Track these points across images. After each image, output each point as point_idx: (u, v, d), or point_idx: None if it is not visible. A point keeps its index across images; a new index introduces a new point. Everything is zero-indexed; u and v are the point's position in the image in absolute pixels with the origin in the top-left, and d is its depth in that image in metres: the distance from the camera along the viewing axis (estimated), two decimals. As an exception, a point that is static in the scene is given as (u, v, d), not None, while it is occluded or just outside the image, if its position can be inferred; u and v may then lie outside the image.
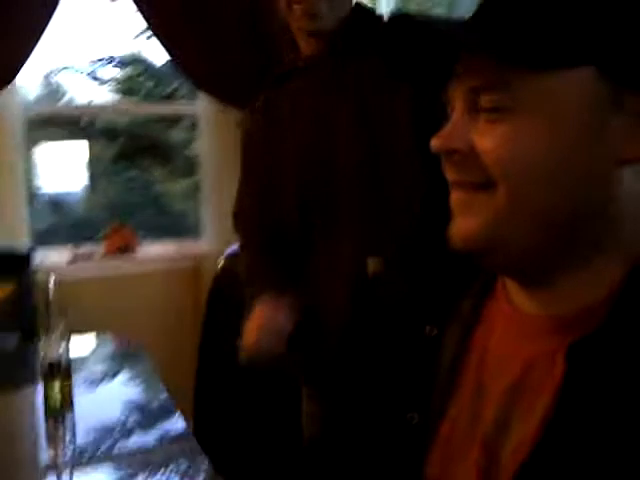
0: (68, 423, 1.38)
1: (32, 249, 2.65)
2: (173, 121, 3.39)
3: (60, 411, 1.37)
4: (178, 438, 1.45)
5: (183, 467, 1.28)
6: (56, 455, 1.29)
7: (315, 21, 1.28)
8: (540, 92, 0.53)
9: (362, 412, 0.78)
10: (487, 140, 0.55)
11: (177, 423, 1.49)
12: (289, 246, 1.41)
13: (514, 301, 0.63)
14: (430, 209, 1.31)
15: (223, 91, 2.90)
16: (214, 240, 3.08)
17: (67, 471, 1.24)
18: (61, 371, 1.37)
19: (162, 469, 1.28)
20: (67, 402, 1.38)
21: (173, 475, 1.24)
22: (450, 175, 0.61)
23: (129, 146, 3.35)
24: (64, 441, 1.34)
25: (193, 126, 3.26)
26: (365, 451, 0.72)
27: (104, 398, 1.74)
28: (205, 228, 3.17)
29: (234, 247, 2.14)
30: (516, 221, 0.56)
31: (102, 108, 3.42)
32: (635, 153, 0.54)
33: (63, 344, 1.37)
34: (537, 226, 0.55)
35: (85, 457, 1.26)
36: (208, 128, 3.05)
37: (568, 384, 0.55)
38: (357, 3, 1.38)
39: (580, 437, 0.53)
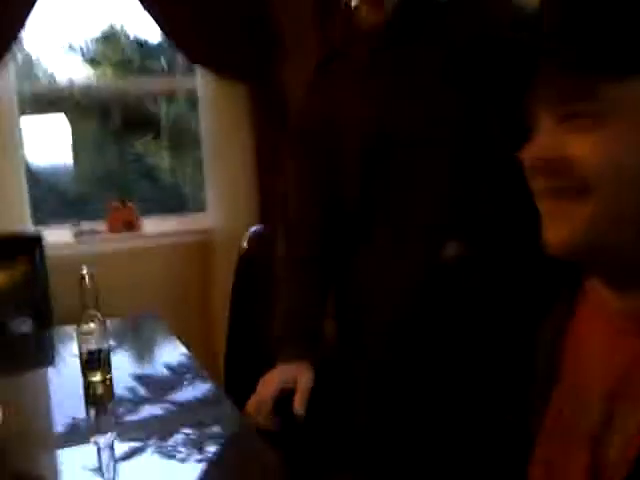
0: (110, 412, 1.36)
1: (40, 232, 2.62)
2: (170, 95, 3.32)
3: (102, 400, 1.36)
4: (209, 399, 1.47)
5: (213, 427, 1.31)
6: (99, 444, 1.27)
7: None
8: (630, 98, 0.54)
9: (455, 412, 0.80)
10: (582, 147, 0.55)
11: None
12: (342, 239, 1.32)
13: (607, 303, 0.63)
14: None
15: (219, 65, 2.85)
16: (217, 214, 3.06)
17: (111, 462, 1.22)
18: (102, 362, 1.35)
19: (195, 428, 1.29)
20: (109, 392, 1.37)
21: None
22: (539, 184, 0.61)
23: (125, 121, 3.27)
24: (106, 430, 1.32)
25: (190, 100, 3.20)
26: (466, 453, 0.73)
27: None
28: (208, 202, 3.14)
29: (257, 227, 2.12)
30: (615, 227, 0.56)
31: (96, 83, 3.33)
32: None
33: (102, 335, 1.35)
34: (636, 231, 0.56)
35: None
36: (208, 102, 2.99)
37: None
38: None
39: None
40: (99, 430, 1.34)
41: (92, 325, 1.36)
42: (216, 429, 1.30)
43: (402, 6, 1.26)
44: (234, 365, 1.73)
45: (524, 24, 0.72)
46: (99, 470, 1.15)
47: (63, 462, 1.23)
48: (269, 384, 1.22)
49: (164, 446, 1.21)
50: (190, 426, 1.28)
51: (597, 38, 0.53)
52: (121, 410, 1.35)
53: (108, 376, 1.38)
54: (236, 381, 1.53)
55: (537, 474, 0.67)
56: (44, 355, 2.03)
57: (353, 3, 1.33)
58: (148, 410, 1.37)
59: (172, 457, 1.17)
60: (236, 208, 2.99)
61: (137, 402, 1.40)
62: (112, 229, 3.03)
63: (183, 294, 3.05)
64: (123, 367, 1.57)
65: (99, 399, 1.37)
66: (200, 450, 1.20)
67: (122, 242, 3.00)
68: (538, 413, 0.68)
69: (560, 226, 0.58)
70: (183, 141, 3.34)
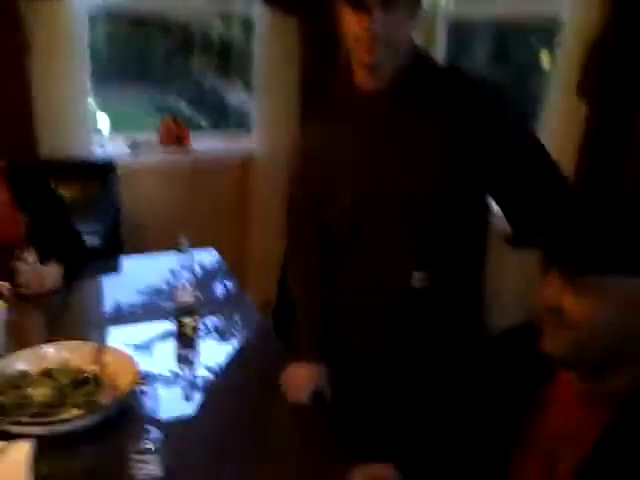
0: (196, 350, 1.69)
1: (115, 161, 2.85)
2: (225, 17, 3.39)
3: (192, 341, 1.69)
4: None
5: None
6: (189, 372, 1.61)
7: (375, 62, 1.33)
8: (613, 288, 0.89)
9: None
10: (574, 305, 0.91)
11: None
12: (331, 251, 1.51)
13: (573, 380, 0.99)
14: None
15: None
16: (262, 136, 3.26)
17: (194, 386, 1.56)
18: (192, 312, 1.67)
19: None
20: (196, 334, 1.69)
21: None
22: (544, 314, 0.96)
23: (182, 40, 3.37)
24: (194, 362, 1.66)
25: (246, 24, 3.29)
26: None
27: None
28: (255, 124, 3.32)
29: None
30: (585, 350, 0.93)
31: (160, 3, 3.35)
32: None
33: (193, 292, 1.65)
34: (597, 354, 0.94)
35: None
36: (263, 29, 3.12)
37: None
38: (418, 51, 1.41)
39: None
40: (186, 361, 1.68)
41: (185, 284, 1.66)
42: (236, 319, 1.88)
43: (402, 78, 1.36)
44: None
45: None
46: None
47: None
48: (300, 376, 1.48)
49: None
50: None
51: (595, 251, 0.89)
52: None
53: (196, 321, 1.71)
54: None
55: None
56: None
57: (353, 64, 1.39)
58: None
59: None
60: (279, 132, 3.19)
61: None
62: (164, 142, 3.25)
63: (224, 208, 3.32)
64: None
65: (187, 338, 1.71)
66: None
67: (173, 155, 3.23)
68: (512, 441, 1.04)
69: (552, 341, 0.95)
70: (235, 64, 3.45)
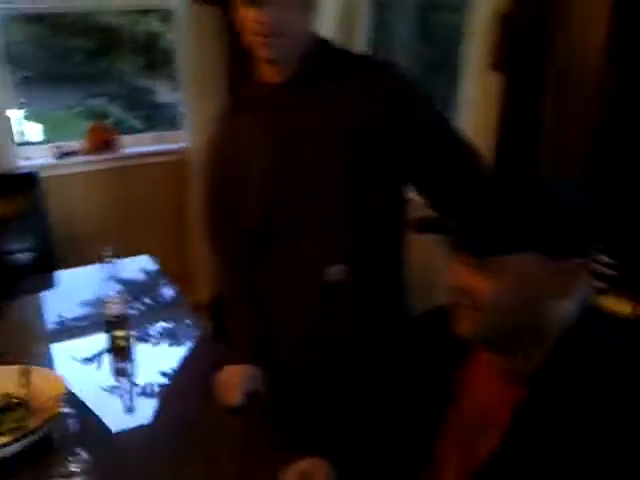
0: (131, 361, 1.66)
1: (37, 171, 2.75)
2: (144, 13, 3.31)
3: (126, 352, 1.66)
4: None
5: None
6: (123, 382, 1.59)
7: (275, 56, 1.33)
8: (511, 267, 0.91)
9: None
10: (481, 287, 0.93)
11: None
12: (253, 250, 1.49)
13: (492, 360, 1.01)
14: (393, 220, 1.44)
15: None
16: (194, 131, 3.20)
17: (132, 392, 1.56)
18: (122, 323, 1.64)
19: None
20: (129, 345, 1.66)
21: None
22: (455, 297, 0.97)
23: (102, 39, 3.28)
24: (128, 372, 1.63)
25: (164, 17, 3.21)
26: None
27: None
28: (184, 119, 3.26)
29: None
30: (493, 330, 0.96)
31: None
32: (559, 293, 0.92)
33: (122, 303, 1.61)
34: (505, 334, 0.96)
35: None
36: (183, 21, 3.04)
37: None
38: (321, 38, 1.40)
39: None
40: (122, 373, 1.64)
41: (116, 298, 1.63)
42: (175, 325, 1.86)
43: (305, 68, 1.36)
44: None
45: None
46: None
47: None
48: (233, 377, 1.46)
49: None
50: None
51: (496, 234, 0.90)
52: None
53: (128, 333, 1.68)
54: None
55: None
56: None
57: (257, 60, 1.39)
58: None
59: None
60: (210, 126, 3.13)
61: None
62: (91, 149, 3.17)
63: (159, 210, 3.26)
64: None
65: (121, 350, 1.68)
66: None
67: (100, 162, 3.14)
68: (436, 422, 1.03)
69: (465, 323, 0.97)
70: (158, 59, 3.38)
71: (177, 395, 1.56)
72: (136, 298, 1.98)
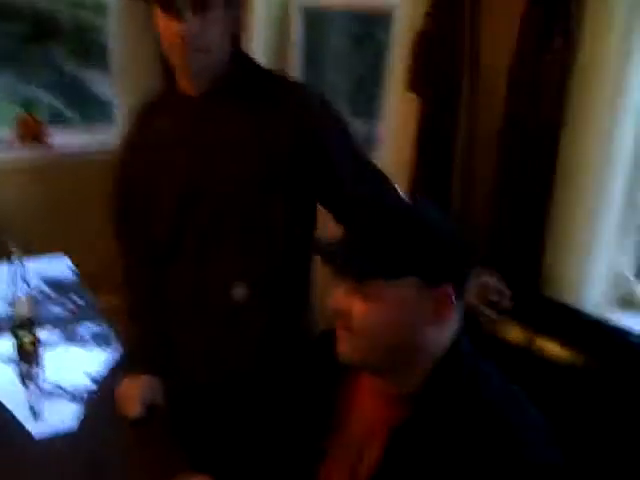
0: (38, 364, 1.64)
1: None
2: (77, 4, 3.25)
3: (32, 356, 1.63)
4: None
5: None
6: (30, 388, 1.57)
7: (191, 69, 1.35)
8: (389, 292, 0.95)
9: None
10: (357, 310, 0.97)
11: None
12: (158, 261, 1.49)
13: (372, 383, 1.06)
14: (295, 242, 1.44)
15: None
16: (125, 127, 3.14)
17: (41, 400, 1.54)
18: (30, 326, 1.61)
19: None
20: (36, 349, 1.63)
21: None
22: (336, 320, 1.01)
23: (35, 28, 3.20)
24: (36, 378, 1.61)
25: (98, 9, 3.16)
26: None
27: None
28: (117, 114, 3.21)
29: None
30: (368, 353, 0.99)
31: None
32: (433, 319, 0.97)
33: (30, 304, 1.59)
34: (379, 356, 0.99)
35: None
36: (117, 12, 3.01)
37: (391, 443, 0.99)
38: (243, 54, 1.44)
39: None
40: (29, 377, 1.62)
41: (23, 298, 1.60)
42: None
43: (221, 82, 1.37)
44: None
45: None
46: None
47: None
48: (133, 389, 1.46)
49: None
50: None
51: (373, 259, 0.94)
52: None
53: (35, 336, 1.65)
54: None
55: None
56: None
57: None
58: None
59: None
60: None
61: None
62: (20, 139, 3.09)
63: (85, 208, 3.19)
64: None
65: (28, 355, 1.64)
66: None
67: (28, 154, 3.08)
68: (320, 443, 1.08)
69: (342, 345, 1.01)
70: (93, 51, 3.32)
71: (101, 400, 1.56)
72: (64, 297, 1.98)
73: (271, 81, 1.43)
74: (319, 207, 1.50)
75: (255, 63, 1.46)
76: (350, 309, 0.97)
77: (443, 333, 1.00)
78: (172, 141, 1.43)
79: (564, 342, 1.31)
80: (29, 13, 3.21)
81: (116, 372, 1.65)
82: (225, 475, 1.18)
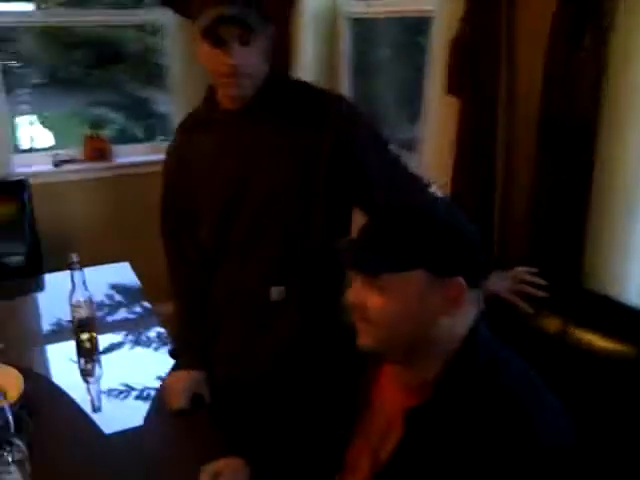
0: (96, 362, 1.74)
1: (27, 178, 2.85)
2: (137, 28, 3.44)
3: (91, 354, 1.74)
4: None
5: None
6: (90, 384, 1.67)
7: (237, 94, 1.43)
8: (398, 283, 0.99)
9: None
10: (372, 303, 1.01)
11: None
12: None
13: (394, 372, 1.10)
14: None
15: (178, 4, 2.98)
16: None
17: (100, 397, 1.63)
18: (88, 325, 1.72)
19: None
20: (95, 347, 1.74)
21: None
22: (354, 312, 1.06)
23: (97, 54, 3.41)
24: (95, 374, 1.71)
25: (155, 32, 3.33)
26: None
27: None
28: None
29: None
30: (386, 343, 1.03)
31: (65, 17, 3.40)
32: (446, 310, 1.00)
33: (90, 305, 1.70)
34: (397, 346, 1.03)
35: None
36: (174, 34, 3.17)
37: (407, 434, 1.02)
38: (273, 72, 1.47)
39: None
40: (88, 373, 1.73)
41: (82, 300, 1.71)
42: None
43: (255, 99, 1.44)
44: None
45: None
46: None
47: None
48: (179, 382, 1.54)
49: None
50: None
51: (385, 254, 0.98)
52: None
53: (94, 335, 1.76)
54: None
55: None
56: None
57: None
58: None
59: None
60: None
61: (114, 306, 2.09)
62: (88, 157, 3.28)
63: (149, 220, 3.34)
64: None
65: (87, 352, 1.75)
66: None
67: (95, 170, 3.26)
68: (347, 429, 1.12)
69: (362, 336, 1.05)
70: (154, 71, 3.50)
71: (135, 401, 1.62)
72: (129, 302, 2.10)
73: (306, 92, 1.50)
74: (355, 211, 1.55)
75: (288, 76, 1.53)
76: (366, 302, 1.02)
77: (458, 322, 1.02)
78: (216, 152, 1.50)
79: (605, 333, 1.29)
80: (94, 41, 3.42)
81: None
82: (260, 460, 1.24)
